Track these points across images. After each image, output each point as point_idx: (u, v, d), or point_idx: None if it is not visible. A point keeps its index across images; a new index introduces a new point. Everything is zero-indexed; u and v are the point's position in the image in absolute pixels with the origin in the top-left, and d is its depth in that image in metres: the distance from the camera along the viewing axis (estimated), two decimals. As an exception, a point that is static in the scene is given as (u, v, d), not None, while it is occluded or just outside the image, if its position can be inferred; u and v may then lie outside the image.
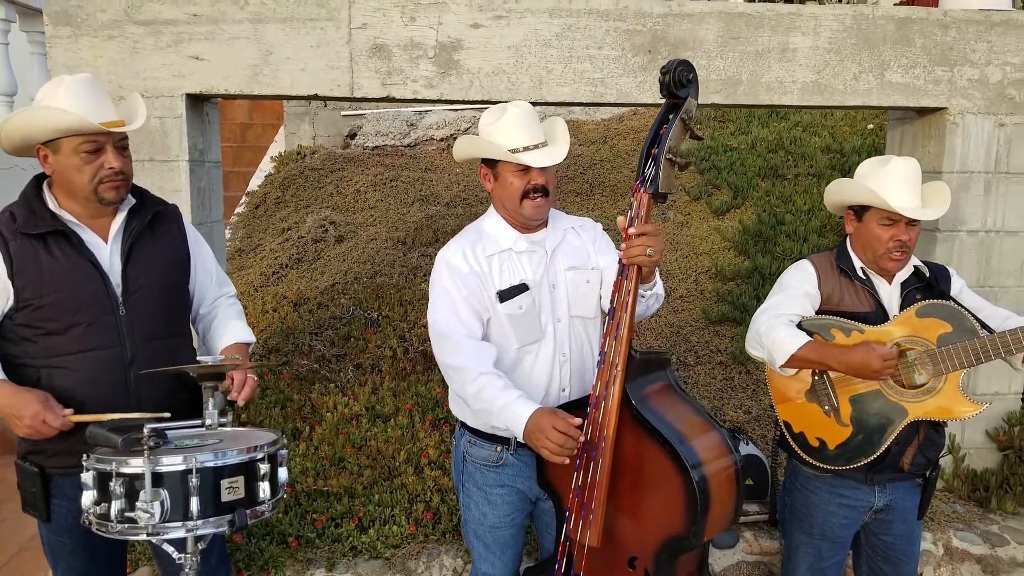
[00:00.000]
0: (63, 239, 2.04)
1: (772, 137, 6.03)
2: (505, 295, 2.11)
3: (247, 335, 2.30)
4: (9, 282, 2.00)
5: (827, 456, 2.29)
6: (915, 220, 2.22)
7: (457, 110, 6.96)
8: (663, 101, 3.22)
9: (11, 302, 2.01)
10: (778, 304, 2.31)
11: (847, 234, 2.38)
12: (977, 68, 3.33)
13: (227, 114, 8.76)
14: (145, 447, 1.74)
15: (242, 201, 6.65)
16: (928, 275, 2.34)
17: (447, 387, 3.86)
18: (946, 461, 3.56)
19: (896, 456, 2.27)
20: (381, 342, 4.16)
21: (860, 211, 2.29)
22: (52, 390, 2.00)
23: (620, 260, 1.97)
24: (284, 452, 2.03)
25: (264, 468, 1.90)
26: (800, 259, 2.43)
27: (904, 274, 2.33)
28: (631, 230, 1.92)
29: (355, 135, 7.22)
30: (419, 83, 3.13)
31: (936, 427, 2.30)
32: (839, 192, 2.35)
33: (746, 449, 3.27)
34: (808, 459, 2.33)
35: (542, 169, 2.08)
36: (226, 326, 2.30)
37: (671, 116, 1.96)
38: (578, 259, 2.20)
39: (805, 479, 2.40)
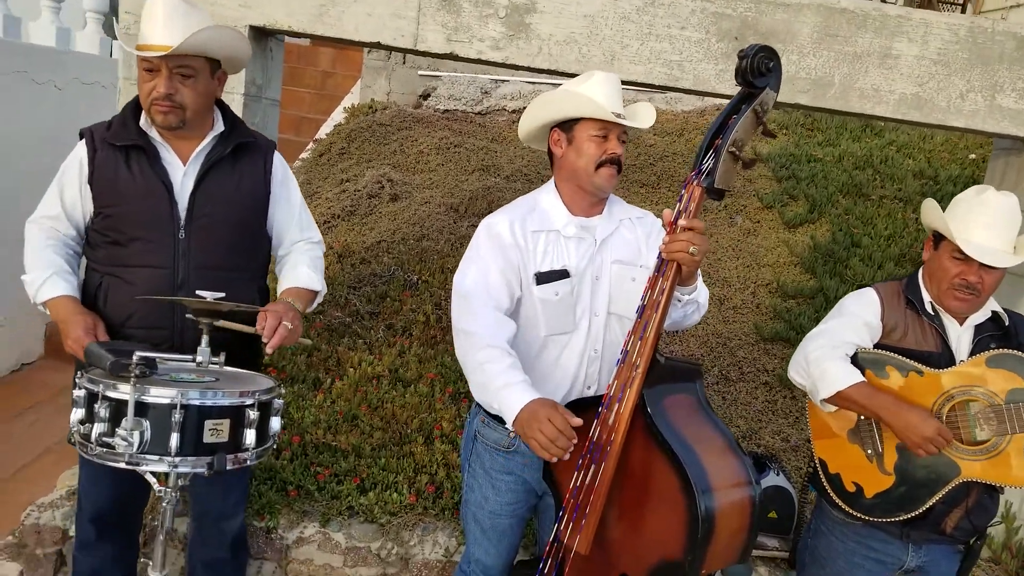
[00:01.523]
0: (143, 155, 2.07)
1: (862, 153, 5.70)
2: (543, 278, 1.98)
3: (311, 281, 2.23)
4: (88, 187, 2.07)
5: (862, 504, 2.09)
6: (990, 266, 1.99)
7: (534, 83, 6.80)
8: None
9: (92, 207, 2.09)
10: (833, 330, 2.11)
11: (922, 262, 2.16)
12: (1099, 103, 3.01)
13: (311, 60, 8.78)
14: (132, 374, 1.67)
15: (308, 147, 6.64)
16: (1008, 323, 2.11)
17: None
18: (997, 529, 3.29)
19: (939, 516, 2.05)
20: (416, 306, 4.07)
21: (938, 238, 2.08)
22: (107, 298, 2.07)
23: (659, 254, 1.81)
24: (280, 402, 1.95)
25: (252, 415, 1.82)
26: (867, 286, 2.22)
27: (979, 318, 2.10)
28: (681, 221, 1.76)
29: (428, 96, 7.13)
30: (485, 43, 2.99)
31: (990, 491, 2.07)
32: (925, 214, 2.14)
33: (775, 480, 3.07)
34: (841, 503, 2.12)
35: (620, 142, 1.97)
36: (293, 270, 2.25)
37: (743, 106, 1.78)
38: (627, 253, 2.05)
39: (832, 523, 2.20)
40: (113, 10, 5.73)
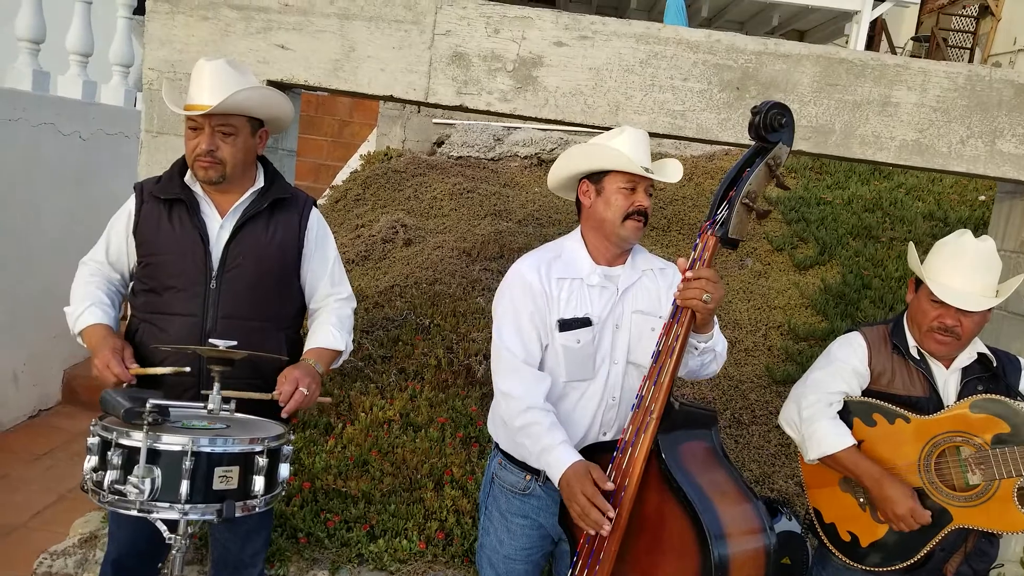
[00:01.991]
0: (184, 208, 2.19)
1: (871, 196, 5.73)
2: (566, 325, 2.01)
3: (335, 341, 2.30)
4: (132, 237, 2.20)
5: (859, 554, 2.09)
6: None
7: (545, 130, 6.92)
8: (745, 140, 3.09)
9: (135, 256, 2.22)
10: (822, 381, 2.14)
11: (906, 304, 2.19)
12: (1101, 148, 3.04)
13: (330, 109, 8.99)
14: (145, 422, 1.72)
15: (325, 194, 6.77)
16: (995, 364, 2.11)
17: (485, 405, 3.81)
18: (1013, 568, 3.24)
19: (939, 562, 2.04)
20: (428, 350, 4.11)
21: (919, 282, 2.12)
22: (143, 343, 2.16)
23: (674, 301, 1.86)
24: (289, 448, 1.99)
25: (262, 462, 1.86)
26: (851, 330, 2.24)
27: (965, 360, 2.11)
28: (689, 272, 1.81)
29: (442, 143, 7.27)
30: (494, 95, 3.08)
31: (989, 535, 2.06)
32: (908, 258, 2.18)
33: (788, 525, 3.04)
34: (839, 555, 2.12)
35: (647, 195, 2.03)
36: (319, 330, 2.31)
37: (757, 159, 1.84)
38: (648, 304, 2.09)
39: (834, 569, 2.19)
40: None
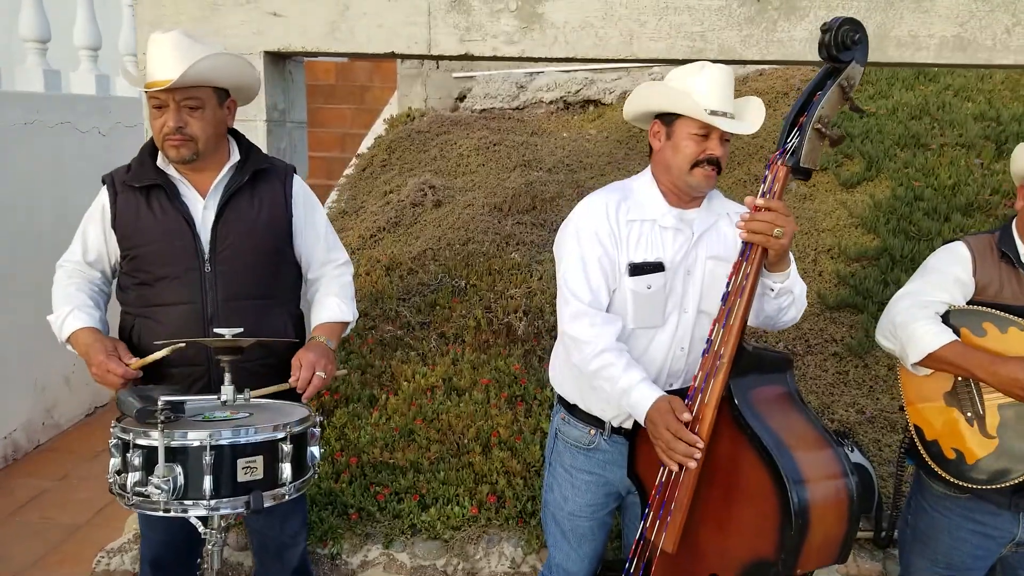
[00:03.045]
0: (162, 193, 2.09)
1: (916, 102, 5.38)
2: (636, 269, 1.91)
3: (341, 313, 2.23)
4: (112, 231, 2.10)
5: (964, 472, 1.93)
6: None
7: (568, 71, 6.67)
8: (772, 57, 2.87)
9: (118, 250, 2.13)
10: (921, 290, 1.98)
11: (1016, 212, 2.00)
12: None
13: (349, 76, 8.85)
14: (158, 420, 1.66)
15: (351, 163, 6.68)
16: None
17: (528, 363, 3.72)
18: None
19: None
20: (466, 311, 4.03)
21: None
22: (140, 340, 2.08)
23: (741, 238, 1.75)
24: (317, 430, 1.93)
25: (287, 448, 1.80)
26: (952, 240, 2.07)
27: None
28: (758, 201, 1.68)
29: (464, 97, 7.09)
30: (499, 39, 2.91)
31: None
32: (1016, 160, 1.99)
33: (852, 457, 2.91)
34: (941, 472, 1.97)
35: (722, 142, 1.87)
36: (322, 304, 2.25)
37: (828, 81, 1.72)
38: (724, 249, 1.97)
39: (934, 498, 2.06)
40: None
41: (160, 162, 2.11)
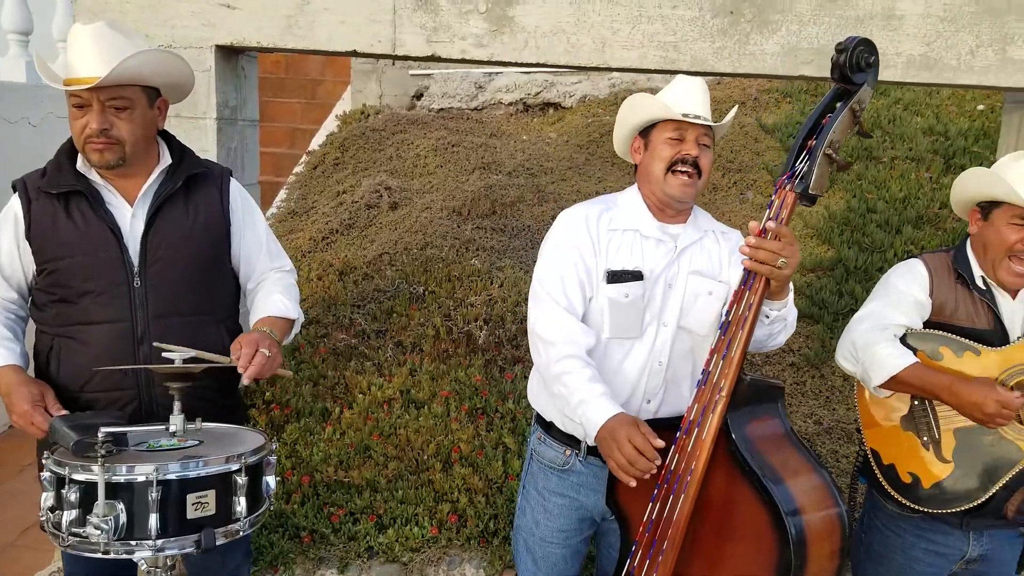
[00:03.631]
0: (84, 200, 1.89)
1: (868, 115, 5.45)
2: (615, 276, 1.87)
3: (286, 309, 2.05)
4: (27, 243, 1.88)
5: (920, 496, 1.94)
6: None
7: (528, 72, 6.59)
8: (744, 70, 2.83)
9: (34, 264, 1.90)
10: (880, 312, 1.97)
11: (968, 235, 2.02)
12: None
13: (299, 69, 8.61)
14: (99, 454, 1.52)
15: (301, 160, 6.48)
16: None
17: (489, 373, 3.62)
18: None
19: (1000, 502, 1.90)
20: (425, 319, 3.90)
21: (988, 208, 1.93)
22: (60, 363, 1.89)
23: (744, 266, 1.68)
24: (272, 459, 1.79)
25: (241, 480, 1.66)
26: (909, 257, 2.09)
27: None
28: (770, 224, 1.62)
29: (421, 96, 6.95)
30: (468, 41, 2.81)
31: None
32: (972, 182, 1.98)
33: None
34: (897, 496, 1.98)
35: (699, 145, 1.84)
36: (265, 300, 2.07)
37: (839, 104, 1.67)
38: (707, 265, 1.93)
39: (887, 517, 2.06)
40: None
41: (80, 166, 1.92)
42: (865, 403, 2.06)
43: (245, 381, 1.81)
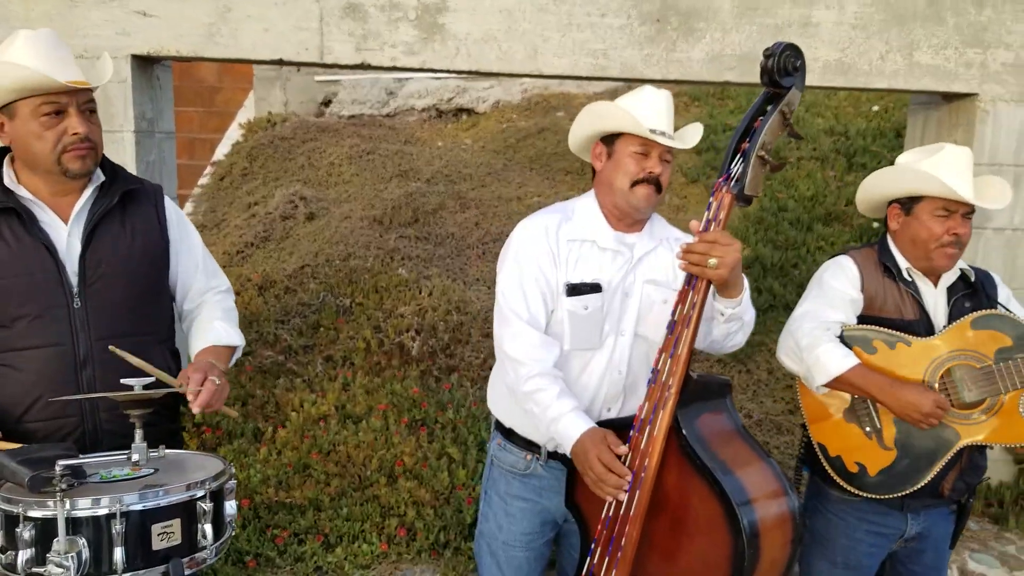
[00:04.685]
0: (15, 218, 1.76)
1: (771, 117, 5.74)
2: (574, 290, 1.87)
3: (229, 337, 1.97)
4: None
5: (867, 483, 2.04)
6: (970, 212, 1.99)
7: (440, 78, 6.58)
8: (673, 77, 2.92)
9: None
10: (818, 310, 2.05)
11: (889, 231, 2.12)
12: (1012, 51, 3.04)
13: (194, 75, 8.27)
14: (57, 489, 1.42)
15: (206, 171, 6.25)
16: (973, 279, 2.09)
17: (425, 384, 3.59)
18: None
19: (936, 481, 2.02)
20: (354, 332, 3.83)
21: (909, 204, 2.04)
22: None
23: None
24: (232, 484, 1.72)
25: (206, 507, 1.58)
26: (838, 254, 2.17)
27: (950, 278, 2.09)
28: (696, 234, 1.65)
29: (330, 102, 6.83)
30: (398, 49, 2.78)
31: (980, 450, 2.05)
32: (888, 180, 2.08)
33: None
34: (845, 485, 2.07)
35: (662, 161, 1.86)
36: (206, 327, 1.97)
37: (769, 107, 1.70)
38: (662, 274, 1.94)
39: (830, 502, 2.15)
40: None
41: (8, 182, 1.80)
42: (808, 399, 2.14)
43: (196, 410, 1.72)
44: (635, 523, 1.68)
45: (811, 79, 2.96)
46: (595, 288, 1.88)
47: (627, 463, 1.71)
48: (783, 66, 1.65)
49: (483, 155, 5.79)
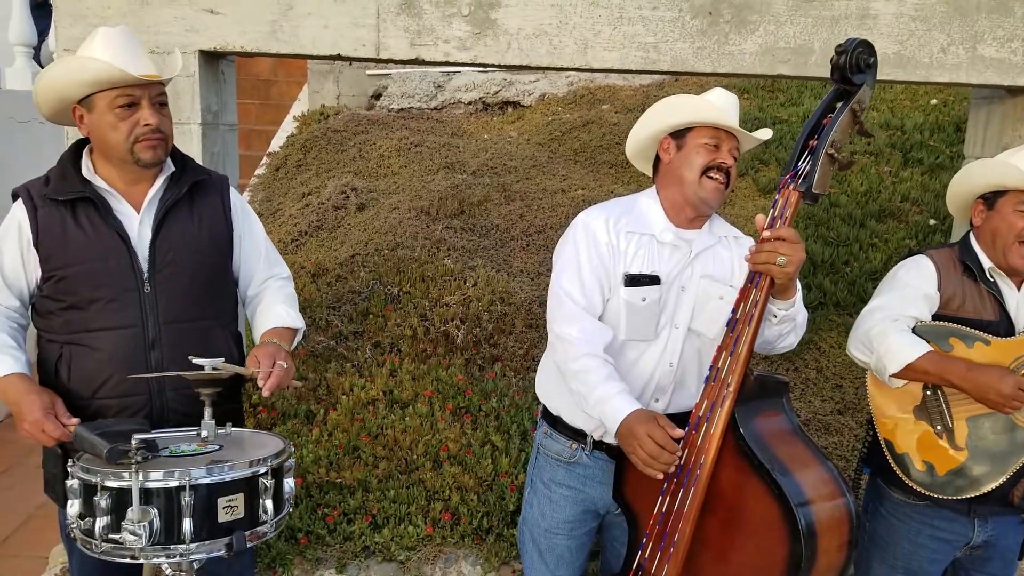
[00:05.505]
0: (91, 207, 1.89)
1: (823, 111, 5.66)
2: (633, 280, 1.91)
3: (292, 319, 2.09)
4: (34, 250, 1.87)
5: (934, 483, 2.00)
6: None
7: (487, 71, 6.63)
8: (724, 70, 2.92)
9: (39, 272, 1.88)
10: (891, 304, 2.03)
11: (972, 228, 2.10)
12: (1078, 44, 2.97)
13: (250, 69, 8.46)
14: (133, 460, 1.51)
15: (263, 162, 6.40)
16: None
17: (469, 372, 3.66)
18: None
19: (1006, 488, 1.98)
20: (401, 320, 3.92)
21: (992, 198, 2.02)
22: (71, 370, 1.87)
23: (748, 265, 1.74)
24: (291, 462, 1.81)
25: (267, 483, 1.67)
26: (915, 253, 2.15)
27: None
28: (766, 232, 1.67)
29: (380, 96, 6.93)
30: (451, 44, 2.84)
31: None
32: (979, 173, 2.06)
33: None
34: (913, 485, 2.03)
35: (732, 156, 1.90)
36: (269, 311, 2.09)
37: (839, 104, 1.71)
38: (719, 270, 1.97)
39: (892, 505, 2.13)
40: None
41: (86, 172, 1.91)
42: (877, 394, 2.10)
43: (266, 393, 1.83)
44: (688, 520, 1.71)
45: (866, 73, 2.94)
46: (654, 280, 1.91)
47: (682, 459, 1.73)
48: (855, 63, 1.65)
49: (528, 148, 5.83)
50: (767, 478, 1.63)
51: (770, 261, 1.65)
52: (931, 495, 2.02)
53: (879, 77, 2.91)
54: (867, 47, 1.67)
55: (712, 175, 1.88)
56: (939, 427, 2.01)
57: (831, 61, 1.69)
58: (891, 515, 2.14)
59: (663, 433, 1.69)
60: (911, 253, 2.18)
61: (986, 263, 2.05)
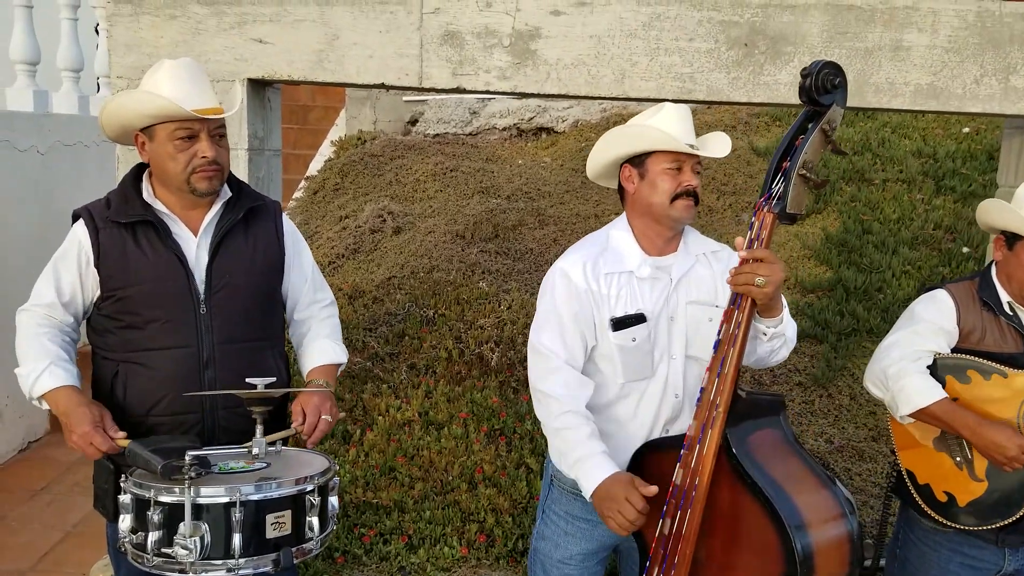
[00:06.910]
0: (151, 229, 1.97)
1: (858, 137, 5.65)
2: (620, 323, 1.90)
3: (336, 355, 2.19)
4: (94, 270, 1.95)
5: (956, 513, 2.02)
6: None
7: (521, 98, 6.72)
8: (758, 99, 2.96)
9: (98, 291, 1.97)
10: (908, 340, 2.04)
11: (993, 261, 2.10)
12: (1115, 74, 2.96)
13: (289, 95, 8.65)
14: (186, 476, 1.57)
15: (301, 186, 6.54)
16: None
17: (504, 394, 3.69)
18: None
19: None
20: (436, 342, 3.97)
21: (1013, 239, 2.02)
22: (127, 388, 1.94)
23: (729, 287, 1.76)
24: (336, 480, 1.86)
25: (314, 500, 1.72)
26: (933, 288, 2.15)
27: None
28: (743, 253, 1.70)
29: (416, 121, 7.05)
30: (492, 74, 2.91)
31: None
32: (991, 213, 2.07)
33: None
34: (935, 515, 2.05)
35: (695, 173, 1.90)
36: (313, 345, 2.18)
37: (810, 125, 1.74)
38: (703, 293, 1.97)
39: (923, 532, 2.13)
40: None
41: (147, 196, 2.00)
42: (898, 425, 2.12)
43: (310, 445, 1.95)
44: (688, 541, 1.73)
45: (903, 103, 2.95)
46: (640, 319, 1.92)
47: (678, 480, 1.75)
48: (821, 84, 1.68)
49: (562, 173, 5.89)
50: (761, 498, 1.64)
51: (749, 283, 1.67)
52: (953, 526, 2.01)
53: (913, 107, 2.95)
54: (833, 68, 1.69)
55: (682, 198, 1.89)
56: (959, 458, 2.02)
57: (799, 84, 1.71)
58: (921, 542, 2.14)
59: (640, 499, 1.71)
60: (928, 288, 2.17)
61: (1004, 297, 2.05)
